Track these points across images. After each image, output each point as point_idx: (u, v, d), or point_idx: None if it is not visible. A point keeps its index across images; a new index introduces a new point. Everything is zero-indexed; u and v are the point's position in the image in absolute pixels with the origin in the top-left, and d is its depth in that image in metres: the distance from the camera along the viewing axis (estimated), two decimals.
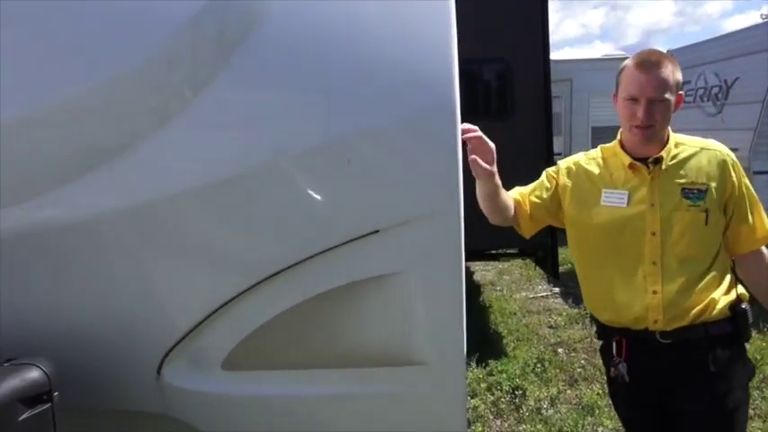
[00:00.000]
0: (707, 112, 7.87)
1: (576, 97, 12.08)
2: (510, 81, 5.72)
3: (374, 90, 1.84)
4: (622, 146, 2.16)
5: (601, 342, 2.29)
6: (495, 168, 2.07)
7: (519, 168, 5.47)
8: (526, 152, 5.62)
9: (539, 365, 5.16)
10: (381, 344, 2.01)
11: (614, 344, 2.14)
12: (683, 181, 2.05)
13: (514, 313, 6.98)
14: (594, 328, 2.41)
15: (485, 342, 5.84)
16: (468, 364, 5.16)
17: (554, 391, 4.65)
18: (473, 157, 1.99)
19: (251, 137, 1.77)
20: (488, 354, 5.42)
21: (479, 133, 2.04)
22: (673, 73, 2.01)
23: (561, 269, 9.04)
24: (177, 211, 1.76)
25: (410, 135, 1.86)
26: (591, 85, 11.79)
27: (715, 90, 7.75)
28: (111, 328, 1.90)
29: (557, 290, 7.85)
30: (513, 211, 2.26)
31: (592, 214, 2.14)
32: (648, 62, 2.00)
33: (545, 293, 7.91)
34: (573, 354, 5.60)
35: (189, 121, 1.71)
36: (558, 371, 5.12)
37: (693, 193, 2.02)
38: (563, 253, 9.50)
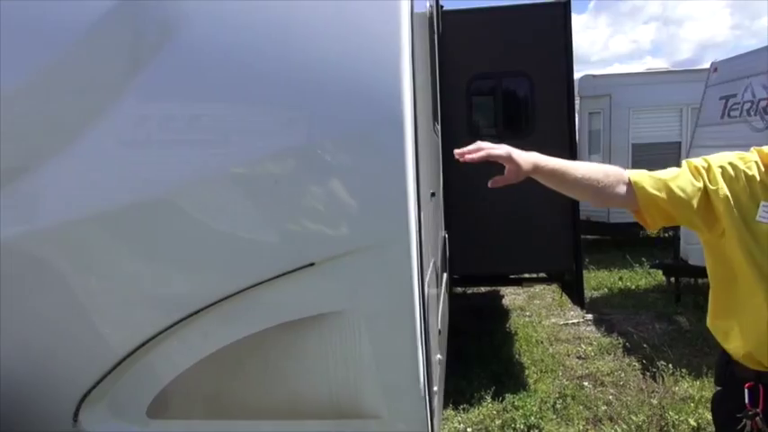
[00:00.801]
0: (754, 127, 7.31)
1: (616, 113, 11.53)
2: (531, 96, 5.41)
3: (306, 102, 1.60)
4: None
5: (719, 389, 1.85)
6: (526, 164, 1.70)
7: (541, 189, 5.24)
8: None
9: (560, 401, 4.75)
10: (324, 394, 1.75)
11: (747, 391, 1.73)
12: None
13: (541, 342, 6.55)
14: (714, 369, 1.93)
15: (505, 373, 5.46)
16: (483, 398, 4.81)
17: (573, 431, 4.25)
18: (493, 180, 1.75)
19: (161, 158, 1.55)
20: (507, 387, 5.04)
21: (483, 151, 1.72)
22: None
23: (595, 294, 8.60)
24: (83, 239, 1.55)
25: (350, 153, 1.61)
26: (631, 101, 11.24)
27: (763, 103, 7.19)
28: (20, 368, 1.71)
29: (589, 316, 7.37)
30: (622, 190, 1.77)
31: (750, 230, 1.70)
32: None
33: (576, 320, 7.44)
34: (600, 388, 5.16)
35: (96, 140, 1.51)
36: (581, 407, 4.70)
37: None
38: (595, 278, 9.15)
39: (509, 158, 1.69)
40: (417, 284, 1.67)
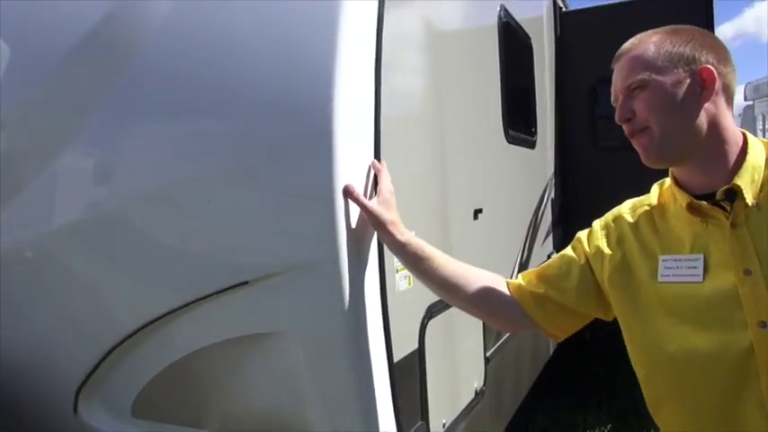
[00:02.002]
0: None
1: None
2: None
3: (239, 121, 1.62)
4: (675, 180, 1.34)
5: None
6: (390, 224, 1.54)
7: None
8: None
9: None
10: (273, 416, 1.74)
11: None
12: None
13: None
14: None
15: (630, 411, 4.85)
16: None
17: None
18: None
19: (105, 181, 1.69)
20: (629, 428, 4.49)
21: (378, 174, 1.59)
22: (657, 47, 1.26)
23: None
24: (54, 251, 1.76)
25: (277, 171, 1.59)
26: None
27: None
28: (25, 361, 1.97)
29: None
30: (501, 305, 1.51)
31: (644, 298, 1.31)
32: (619, 52, 1.36)
33: None
34: None
35: (59, 166, 1.71)
36: None
37: None
38: None
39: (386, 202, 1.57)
40: (352, 305, 1.60)
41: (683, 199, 1.28)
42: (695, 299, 1.22)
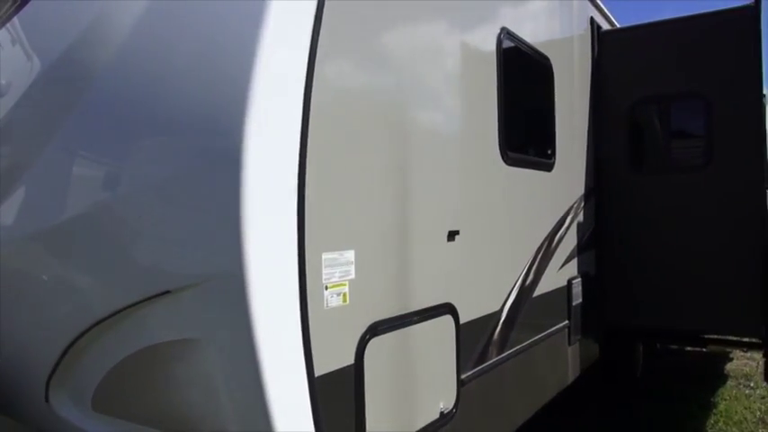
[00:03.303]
0: None
1: None
2: (709, 121, 4.53)
3: (164, 141, 1.78)
4: None
5: None
6: None
7: (719, 233, 4.33)
8: (730, 210, 4.36)
9: None
10: (192, 417, 1.87)
11: None
12: None
13: (745, 420, 5.30)
14: None
15: None
16: None
17: None
18: None
19: (58, 196, 1.90)
20: None
21: None
22: None
23: None
24: (21, 254, 2.00)
25: (194, 187, 1.73)
26: None
27: None
28: (6, 352, 2.22)
29: None
30: None
31: None
32: None
33: None
34: None
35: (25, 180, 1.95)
36: None
37: None
38: None
39: None
40: (262, 316, 1.70)
41: None
42: None
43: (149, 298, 1.80)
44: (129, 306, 1.84)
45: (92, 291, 1.93)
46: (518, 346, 3.35)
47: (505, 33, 3.24)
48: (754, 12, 4.28)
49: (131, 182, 1.80)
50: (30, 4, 2.16)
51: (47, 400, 2.20)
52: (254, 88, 1.69)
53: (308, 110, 1.84)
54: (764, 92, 4.36)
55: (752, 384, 6.39)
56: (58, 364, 2.11)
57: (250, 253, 1.68)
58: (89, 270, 1.93)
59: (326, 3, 1.93)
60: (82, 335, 2.00)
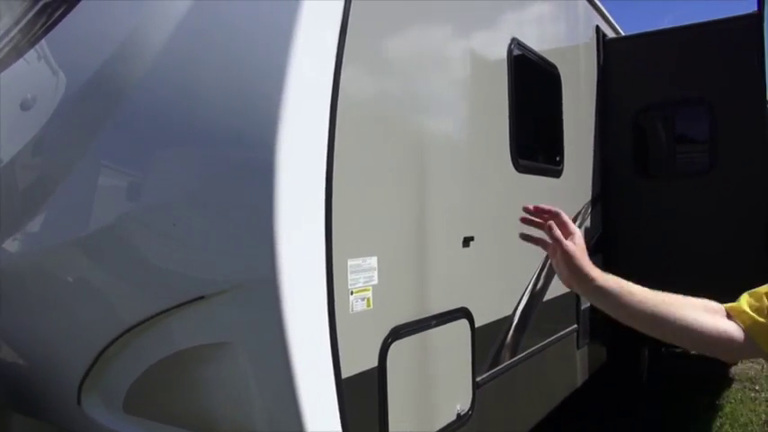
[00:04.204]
0: None
1: None
2: (713, 127, 4.61)
3: (198, 152, 1.86)
4: None
5: None
6: (587, 268, 1.27)
7: (723, 236, 4.40)
8: (733, 215, 4.44)
9: None
10: (225, 416, 1.94)
11: None
12: None
13: (750, 423, 5.36)
14: None
15: None
16: None
17: None
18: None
19: (94, 205, 1.99)
20: None
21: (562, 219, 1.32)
22: None
23: None
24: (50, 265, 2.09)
25: (229, 197, 1.81)
26: None
27: None
28: (39, 356, 2.29)
29: None
30: (718, 333, 1.28)
31: None
32: None
33: None
34: None
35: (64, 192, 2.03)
36: None
37: None
38: None
39: (572, 248, 1.27)
40: (292, 320, 1.77)
41: None
42: None
43: (184, 303, 1.87)
44: (163, 311, 1.91)
45: (126, 297, 2.01)
46: (530, 350, 3.42)
47: (516, 43, 3.32)
48: (757, 20, 4.37)
49: (166, 192, 1.88)
50: (62, 21, 2.24)
51: (79, 402, 2.27)
52: (285, 102, 1.77)
53: (335, 122, 1.92)
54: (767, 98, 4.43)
55: (757, 387, 6.45)
56: (91, 368, 2.17)
57: (283, 260, 1.75)
58: (123, 277, 2.00)
59: (350, 17, 2.01)
60: (115, 340, 2.07)
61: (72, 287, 2.13)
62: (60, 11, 2.28)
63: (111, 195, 2.01)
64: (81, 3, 2.27)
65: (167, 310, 1.90)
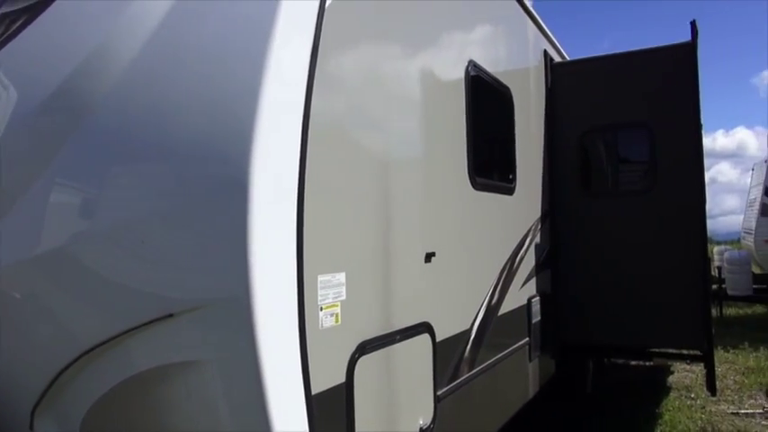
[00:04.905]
0: None
1: None
2: (652, 149, 4.88)
3: (168, 169, 1.85)
4: None
5: None
6: None
7: (662, 254, 4.65)
8: (672, 231, 4.69)
9: None
10: None
11: None
12: None
13: (688, 429, 5.62)
14: None
15: None
16: None
17: None
18: None
19: (59, 221, 1.93)
20: None
21: None
22: None
23: None
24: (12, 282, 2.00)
25: (198, 215, 1.80)
26: None
27: None
28: None
29: None
30: None
31: None
32: None
33: (756, 410, 6.21)
34: None
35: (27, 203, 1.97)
36: None
37: None
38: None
39: None
40: (263, 337, 1.77)
41: None
42: None
43: (151, 322, 1.84)
44: (128, 331, 1.88)
45: (88, 318, 1.96)
46: (486, 363, 3.50)
47: (473, 65, 3.44)
48: (691, 48, 4.67)
49: (134, 209, 1.85)
50: (21, 34, 2.19)
51: (31, 427, 2.18)
52: (259, 122, 1.79)
53: (306, 141, 1.94)
54: (701, 121, 4.73)
55: (692, 395, 6.77)
56: (45, 392, 2.10)
57: (255, 277, 1.76)
58: (86, 297, 1.95)
59: (320, 43, 2.05)
60: (74, 362, 2.01)
61: (28, 308, 2.05)
62: (19, 23, 2.22)
63: (71, 213, 1.97)
64: (41, 16, 2.22)
65: (133, 329, 1.87)
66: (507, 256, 4.00)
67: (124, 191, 1.89)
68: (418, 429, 2.68)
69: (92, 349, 1.91)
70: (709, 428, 5.68)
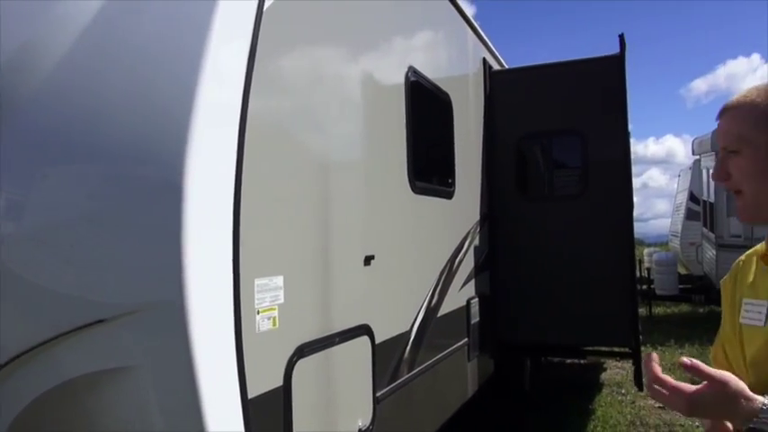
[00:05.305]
0: None
1: None
2: (584, 155, 5.09)
3: (99, 170, 1.80)
4: None
5: None
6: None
7: (594, 256, 4.85)
8: (602, 234, 4.90)
9: None
10: None
11: None
12: None
13: (618, 424, 5.87)
14: None
15: None
16: None
17: None
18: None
19: None
20: None
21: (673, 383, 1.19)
22: (750, 114, 1.29)
23: None
24: None
25: (130, 217, 1.77)
26: None
27: None
28: None
29: None
30: None
31: (730, 337, 1.43)
32: (723, 107, 1.37)
33: None
34: None
35: None
36: None
37: None
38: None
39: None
40: (199, 342, 1.75)
41: (762, 249, 1.38)
42: (758, 340, 1.31)
43: (80, 327, 1.79)
44: (56, 337, 1.81)
45: (12, 324, 1.87)
46: (426, 364, 3.56)
47: (412, 71, 3.50)
48: (620, 60, 4.91)
49: (63, 211, 1.79)
50: None
51: None
52: (194, 123, 1.77)
53: (243, 143, 1.93)
54: (629, 129, 4.98)
55: (623, 391, 7.07)
56: None
57: (190, 281, 1.73)
58: (9, 303, 1.87)
59: (259, 44, 2.05)
60: (1, 368, 1.93)
61: None
62: None
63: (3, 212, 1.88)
64: None
65: (62, 335, 1.81)
66: (447, 259, 4.08)
67: (52, 192, 1.83)
68: (357, 431, 2.70)
69: (19, 356, 1.84)
70: (638, 422, 5.95)
